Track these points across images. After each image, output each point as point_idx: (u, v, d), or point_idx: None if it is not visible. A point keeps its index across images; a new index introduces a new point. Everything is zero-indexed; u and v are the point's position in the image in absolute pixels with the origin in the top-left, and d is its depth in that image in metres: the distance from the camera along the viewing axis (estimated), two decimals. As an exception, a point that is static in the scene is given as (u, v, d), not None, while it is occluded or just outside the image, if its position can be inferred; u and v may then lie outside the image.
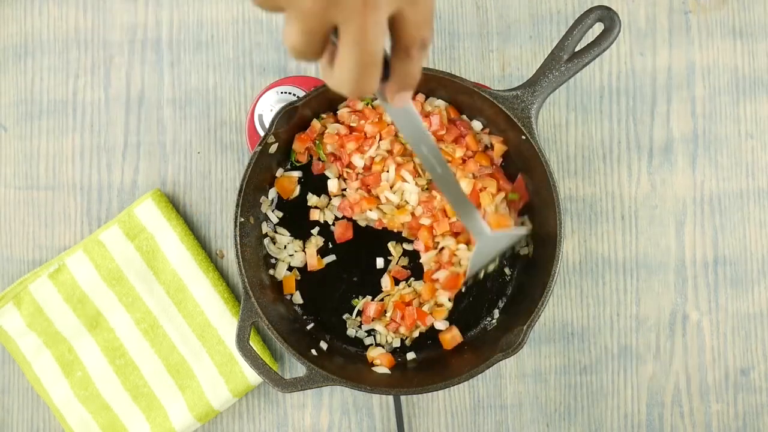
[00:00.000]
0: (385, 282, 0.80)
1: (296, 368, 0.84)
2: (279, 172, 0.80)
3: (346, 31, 0.43)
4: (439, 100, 0.79)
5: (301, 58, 0.46)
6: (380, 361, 0.79)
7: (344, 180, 0.80)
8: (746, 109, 0.86)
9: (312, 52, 0.45)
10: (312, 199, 0.80)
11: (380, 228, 0.80)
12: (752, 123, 0.86)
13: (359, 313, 0.80)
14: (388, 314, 0.80)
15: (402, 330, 0.80)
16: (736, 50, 0.86)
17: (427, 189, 0.79)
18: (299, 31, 0.44)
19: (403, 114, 0.57)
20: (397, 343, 0.81)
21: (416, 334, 0.81)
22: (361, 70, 0.45)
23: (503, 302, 0.81)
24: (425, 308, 0.80)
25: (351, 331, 0.81)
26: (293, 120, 0.76)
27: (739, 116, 0.86)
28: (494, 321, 0.80)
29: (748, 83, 0.86)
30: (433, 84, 0.77)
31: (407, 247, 0.80)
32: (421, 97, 0.79)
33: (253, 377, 0.82)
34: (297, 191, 0.81)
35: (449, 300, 0.80)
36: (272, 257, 0.81)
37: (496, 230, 0.75)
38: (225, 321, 0.82)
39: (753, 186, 0.86)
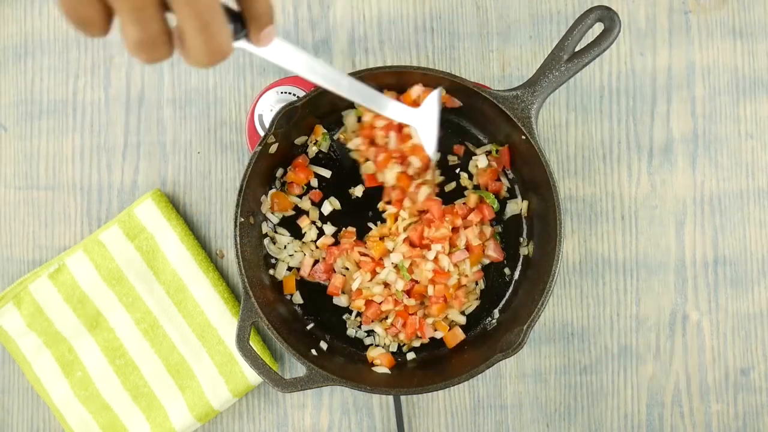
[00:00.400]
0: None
1: (296, 368, 0.84)
2: (279, 172, 0.81)
3: (178, 7, 0.42)
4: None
5: (151, 60, 0.44)
6: (380, 361, 0.79)
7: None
8: (746, 109, 0.86)
9: (154, 44, 0.44)
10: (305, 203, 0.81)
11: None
12: (752, 123, 0.86)
13: (359, 313, 0.80)
14: (389, 320, 0.80)
15: (401, 336, 0.80)
16: (736, 50, 0.86)
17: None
18: (133, 24, 0.42)
19: (280, 51, 0.55)
20: (394, 348, 0.81)
21: (416, 343, 0.81)
22: (207, 32, 0.44)
23: (503, 302, 0.81)
24: (429, 321, 0.79)
25: (351, 331, 0.81)
26: (293, 120, 0.76)
27: (739, 116, 0.86)
28: (494, 321, 0.80)
29: (748, 83, 0.86)
30: (433, 84, 0.77)
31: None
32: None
33: (253, 377, 0.82)
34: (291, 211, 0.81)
35: (462, 314, 0.80)
36: (272, 257, 0.81)
37: (418, 107, 0.74)
38: (225, 321, 0.82)
39: (753, 186, 0.86)
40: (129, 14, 0.42)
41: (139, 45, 0.43)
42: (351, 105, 0.80)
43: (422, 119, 0.74)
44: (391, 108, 0.71)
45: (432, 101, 0.75)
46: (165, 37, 0.44)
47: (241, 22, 0.49)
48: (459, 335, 0.80)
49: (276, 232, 0.81)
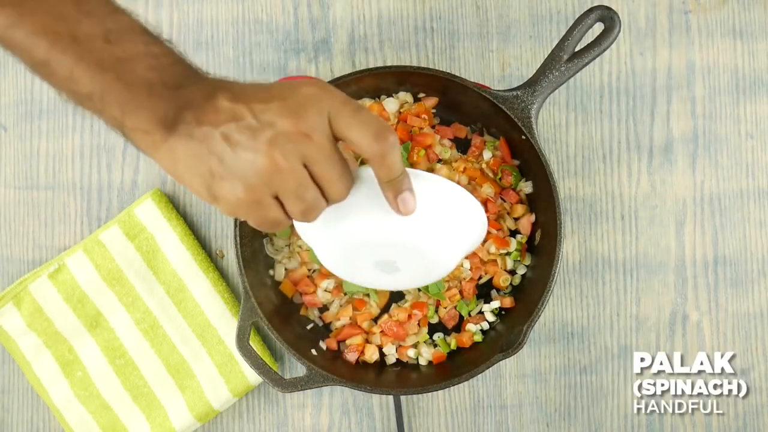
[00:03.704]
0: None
1: (296, 368, 0.84)
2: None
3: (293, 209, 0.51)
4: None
5: (311, 219, 0.53)
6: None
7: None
8: (746, 109, 0.86)
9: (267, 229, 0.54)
10: None
11: None
12: (752, 123, 0.86)
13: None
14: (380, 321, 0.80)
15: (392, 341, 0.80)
16: (736, 50, 0.86)
17: None
18: (298, 203, 0.52)
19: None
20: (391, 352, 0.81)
21: (410, 352, 0.80)
22: (311, 212, 0.53)
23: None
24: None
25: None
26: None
27: (739, 116, 0.86)
28: (494, 321, 0.80)
29: (748, 83, 0.86)
30: (433, 84, 0.77)
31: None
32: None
33: (253, 377, 0.82)
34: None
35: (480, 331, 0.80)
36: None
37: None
38: (225, 321, 0.82)
39: (753, 186, 0.86)
40: (292, 195, 0.51)
41: (302, 214, 0.52)
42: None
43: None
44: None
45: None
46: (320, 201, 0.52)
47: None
48: (472, 337, 0.80)
49: (275, 233, 0.81)
